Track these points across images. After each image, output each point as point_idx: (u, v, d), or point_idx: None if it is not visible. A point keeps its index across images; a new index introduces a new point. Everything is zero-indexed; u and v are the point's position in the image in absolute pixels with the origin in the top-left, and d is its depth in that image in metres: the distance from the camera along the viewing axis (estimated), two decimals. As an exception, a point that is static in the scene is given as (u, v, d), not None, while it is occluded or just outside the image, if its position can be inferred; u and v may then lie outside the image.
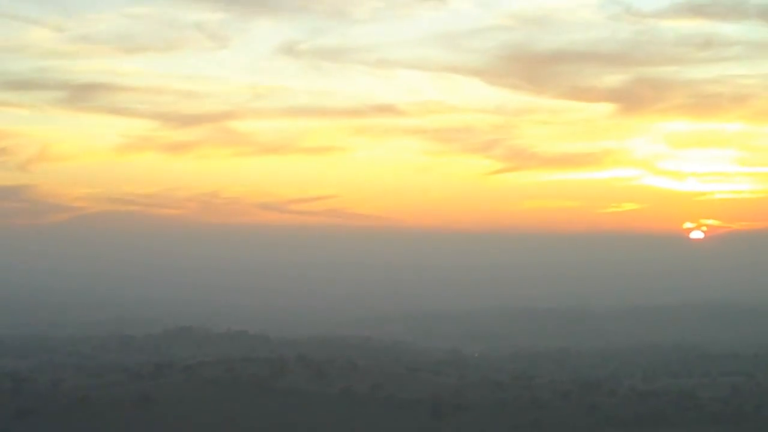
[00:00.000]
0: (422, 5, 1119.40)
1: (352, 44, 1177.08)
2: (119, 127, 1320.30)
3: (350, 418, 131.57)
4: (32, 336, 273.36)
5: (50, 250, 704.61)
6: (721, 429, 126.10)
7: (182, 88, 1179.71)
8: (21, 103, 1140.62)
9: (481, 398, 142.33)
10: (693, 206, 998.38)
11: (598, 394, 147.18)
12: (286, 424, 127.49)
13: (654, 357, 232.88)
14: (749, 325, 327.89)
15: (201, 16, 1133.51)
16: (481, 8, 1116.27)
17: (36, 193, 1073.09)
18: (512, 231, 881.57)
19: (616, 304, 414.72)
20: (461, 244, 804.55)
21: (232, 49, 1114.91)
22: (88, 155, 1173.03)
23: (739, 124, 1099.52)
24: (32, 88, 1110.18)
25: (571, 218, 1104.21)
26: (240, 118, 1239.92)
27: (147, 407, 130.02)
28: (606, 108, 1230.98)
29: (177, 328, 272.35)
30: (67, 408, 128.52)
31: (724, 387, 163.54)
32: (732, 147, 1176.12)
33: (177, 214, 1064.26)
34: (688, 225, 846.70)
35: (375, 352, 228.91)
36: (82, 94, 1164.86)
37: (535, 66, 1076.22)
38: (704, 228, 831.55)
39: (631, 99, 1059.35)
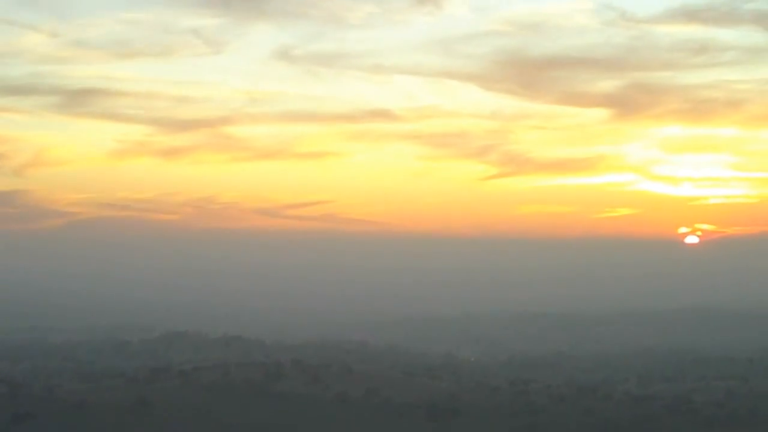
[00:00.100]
0: (418, 11, 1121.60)
1: (347, 50, 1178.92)
2: (114, 132, 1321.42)
3: (346, 423, 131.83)
4: (28, 341, 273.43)
5: (46, 255, 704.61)
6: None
7: (178, 93, 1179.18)
8: (16, 109, 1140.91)
9: (477, 402, 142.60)
10: (688, 211, 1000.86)
11: (593, 399, 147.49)
12: (282, 429, 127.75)
13: (649, 361, 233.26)
14: (744, 330, 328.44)
15: (196, 22, 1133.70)
16: (476, 14, 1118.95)
17: (31, 199, 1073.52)
18: (507, 236, 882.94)
19: (611, 308, 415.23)
20: (457, 249, 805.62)
21: (227, 55, 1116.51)
22: (84, 160, 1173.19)
23: (733, 129, 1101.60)
24: (27, 93, 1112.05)
25: (566, 223, 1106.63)
26: (236, 123, 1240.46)
27: (143, 412, 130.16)
28: (601, 113, 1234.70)
29: (173, 333, 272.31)
30: (63, 413, 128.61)
31: (719, 391, 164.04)
32: (726, 152, 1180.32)
33: (172, 220, 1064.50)
34: (682, 230, 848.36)
35: (370, 357, 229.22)
36: (77, 100, 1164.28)
37: (530, 71, 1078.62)
38: (699, 233, 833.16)
39: (626, 104, 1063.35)
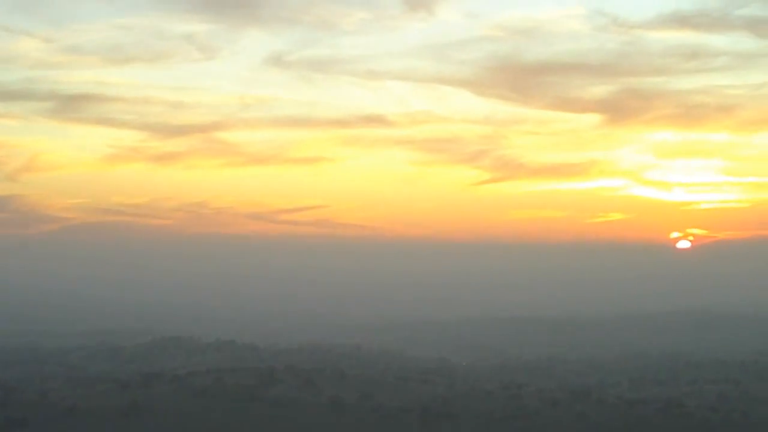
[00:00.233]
0: (410, 17, 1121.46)
1: (340, 55, 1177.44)
2: (108, 137, 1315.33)
3: (339, 427, 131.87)
4: (20, 346, 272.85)
5: (39, 261, 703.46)
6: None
7: (171, 98, 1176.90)
8: (10, 114, 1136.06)
9: (470, 407, 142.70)
10: (679, 216, 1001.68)
11: (586, 403, 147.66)
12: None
13: (642, 365, 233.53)
14: (736, 333, 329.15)
15: (189, 28, 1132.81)
16: (469, 19, 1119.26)
17: (24, 204, 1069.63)
18: (500, 240, 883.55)
19: (604, 312, 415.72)
20: (450, 254, 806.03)
21: (220, 60, 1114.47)
22: (77, 166, 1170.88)
23: (725, 134, 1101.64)
24: (21, 99, 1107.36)
25: (559, 228, 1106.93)
26: (228, 128, 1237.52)
27: (136, 417, 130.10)
28: (593, 118, 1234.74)
29: (165, 338, 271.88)
30: (55, 418, 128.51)
31: (712, 394, 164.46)
32: (718, 157, 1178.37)
33: (165, 225, 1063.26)
34: (674, 234, 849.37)
35: (364, 361, 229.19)
36: (70, 105, 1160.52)
37: (522, 77, 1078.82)
38: (691, 237, 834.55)
39: (618, 109, 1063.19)
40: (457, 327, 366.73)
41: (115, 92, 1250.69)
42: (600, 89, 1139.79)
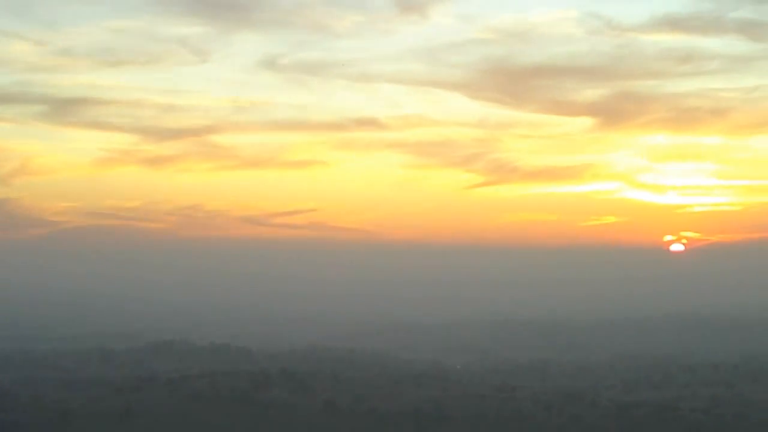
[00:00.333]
0: (403, 20, 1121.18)
1: (333, 58, 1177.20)
2: (101, 140, 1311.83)
3: (333, 430, 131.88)
4: (14, 350, 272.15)
5: (31, 264, 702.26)
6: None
7: (164, 101, 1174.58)
8: (2, 117, 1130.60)
9: (464, 410, 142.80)
10: (673, 219, 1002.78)
11: (579, 405, 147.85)
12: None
13: (635, 368, 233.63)
14: (729, 336, 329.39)
15: (182, 31, 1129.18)
16: (462, 23, 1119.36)
17: (17, 207, 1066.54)
18: (494, 244, 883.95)
19: (597, 315, 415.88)
20: (443, 257, 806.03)
21: (213, 63, 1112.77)
22: (70, 169, 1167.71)
23: (718, 137, 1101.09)
24: (13, 102, 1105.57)
25: (552, 231, 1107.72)
26: (222, 131, 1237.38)
27: (129, 421, 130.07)
28: (586, 122, 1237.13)
29: (159, 341, 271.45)
30: (49, 422, 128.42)
31: (705, 397, 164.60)
32: (711, 160, 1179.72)
33: (159, 228, 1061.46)
34: (668, 238, 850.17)
35: (357, 364, 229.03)
36: (63, 108, 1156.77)
37: (515, 80, 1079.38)
38: (684, 240, 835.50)
39: (612, 113, 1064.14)
40: (450, 330, 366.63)
41: (108, 95, 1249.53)
42: (593, 92, 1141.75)
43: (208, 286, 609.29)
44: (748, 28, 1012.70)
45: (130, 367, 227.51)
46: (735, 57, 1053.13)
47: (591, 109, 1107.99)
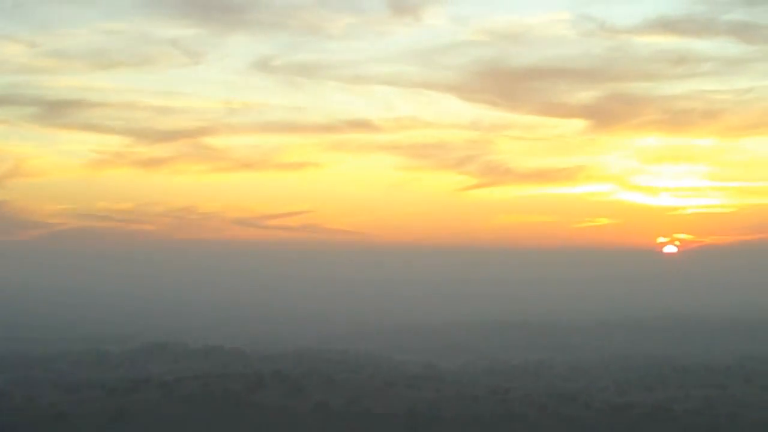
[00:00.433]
0: (397, 22, 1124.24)
1: (326, 60, 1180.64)
2: (93, 143, 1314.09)
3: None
4: (7, 352, 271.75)
5: (25, 267, 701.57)
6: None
7: (156, 104, 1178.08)
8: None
9: (457, 412, 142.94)
10: (666, 221, 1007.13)
11: (573, 407, 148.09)
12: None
13: (628, 369, 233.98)
14: (722, 338, 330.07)
15: (175, 32, 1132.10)
16: (456, 25, 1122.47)
17: (10, 209, 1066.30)
18: (487, 245, 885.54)
19: (590, 317, 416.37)
20: (436, 259, 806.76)
21: (206, 65, 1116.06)
22: (63, 171, 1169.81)
23: (711, 139, 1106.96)
24: (5, 104, 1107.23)
25: (546, 233, 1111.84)
26: (215, 134, 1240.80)
27: (123, 423, 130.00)
28: (580, 124, 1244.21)
29: (153, 343, 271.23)
30: (42, 424, 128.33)
31: (698, 399, 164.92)
32: (704, 162, 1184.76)
33: (152, 230, 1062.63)
34: (661, 239, 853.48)
35: (351, 366, 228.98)
36: (56, 110, 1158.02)
37: (509, 82, 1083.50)
38: (677, 242, 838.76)
39: (605, 115, 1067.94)
40: (444, 331, 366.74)
41: (101, 97, 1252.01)
42: (587, 94, 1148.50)
43: (202, 288, 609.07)
44: (741, 31, 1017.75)
45: (124, 369, 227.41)
46: (728, 59, 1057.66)
47: (584, 111, 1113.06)
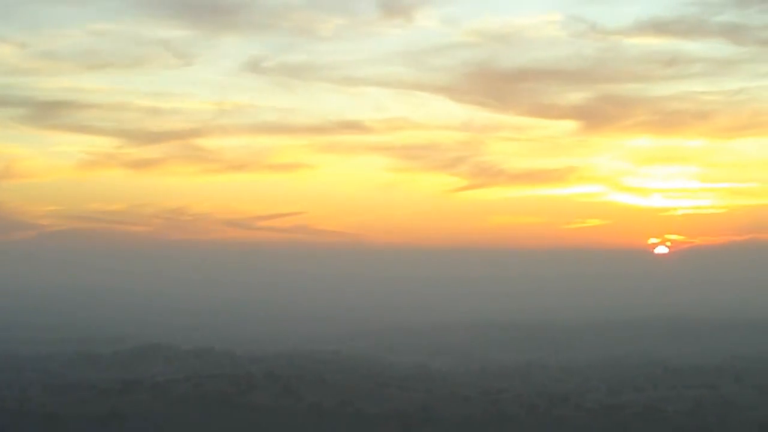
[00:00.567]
0: (388, 23, 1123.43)
1: (317, 61, 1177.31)
2: (84, 144, 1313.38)
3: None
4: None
5: (15, 268, 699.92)
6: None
7: (147, 105, 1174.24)
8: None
9: (449, 413, 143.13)
10: (657, 222, 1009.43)
11: (564, 408, 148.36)
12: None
13: (619, 370, 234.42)
14: (713, 339, 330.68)
15: (166, 33, 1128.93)
16: (446, 26, 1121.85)
17: (0, 211, 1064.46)
18: (478, 247, 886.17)
19: (581, 318, 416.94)
20: (428, 260, 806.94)
21: (197, 66, 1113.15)
22: (53, 172, 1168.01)
23: (701, 140, 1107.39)
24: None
25: (537, 234, 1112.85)
26: (206, 135, 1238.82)
27: (114, 424, 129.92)
28: (571, 125, 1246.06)
29: (144, 345, 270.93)
30: (34, 426, 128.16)
31: (689, 400, 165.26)
32: (695, 163, 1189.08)
33: (143, 231, 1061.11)
34: (652, 240, 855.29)
35: (343, 367, 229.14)
36: (46, 111, 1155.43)
37: (500, 83, 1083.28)
38: (668, 243, 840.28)
39: (596, 116, 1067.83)
40: (435, 333, 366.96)
41: (92, 98, 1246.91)
42: (577, 95, 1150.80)
43: (194, 289, 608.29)
44: (731, 32, 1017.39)
45: (115, 370, 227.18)
46: (718, 60, 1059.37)
47: (575, 113, 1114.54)
